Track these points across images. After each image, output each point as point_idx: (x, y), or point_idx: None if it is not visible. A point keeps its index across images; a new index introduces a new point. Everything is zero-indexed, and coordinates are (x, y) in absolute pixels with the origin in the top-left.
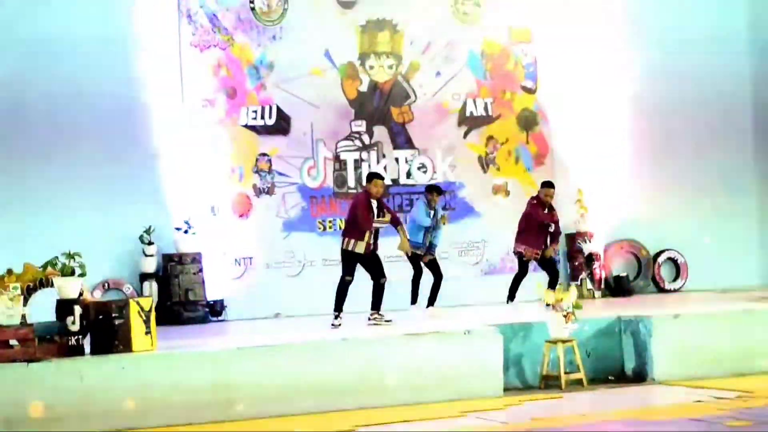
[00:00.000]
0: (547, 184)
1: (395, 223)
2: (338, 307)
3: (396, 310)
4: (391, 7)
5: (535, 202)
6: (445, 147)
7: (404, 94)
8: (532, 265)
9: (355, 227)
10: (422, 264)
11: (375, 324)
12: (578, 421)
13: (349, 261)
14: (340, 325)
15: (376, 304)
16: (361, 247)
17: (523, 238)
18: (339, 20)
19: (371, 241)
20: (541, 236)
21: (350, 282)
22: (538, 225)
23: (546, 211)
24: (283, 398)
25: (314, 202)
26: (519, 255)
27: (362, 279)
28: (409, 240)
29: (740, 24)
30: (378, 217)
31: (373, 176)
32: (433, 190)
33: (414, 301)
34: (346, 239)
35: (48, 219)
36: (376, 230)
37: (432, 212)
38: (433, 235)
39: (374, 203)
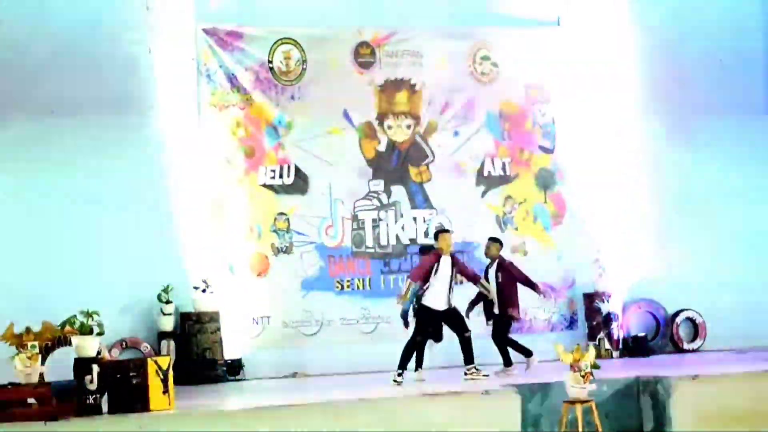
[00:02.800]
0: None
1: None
2: (402, 364)
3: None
4: (409, 67)
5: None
6: (462, 207)
7: (422, 153)
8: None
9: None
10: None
11: (472, 379)
12: None
13: (423, 320)
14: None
15: (468, 358)
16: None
17: (514, 301)
18: (357, 80)
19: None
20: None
21: (421, 342)
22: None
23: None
24: None
25: (332, 261)
26: (512, 318)
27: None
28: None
29: (760, 93)
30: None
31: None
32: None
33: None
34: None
35: (66, 278)
36: (449, 286)
37: None
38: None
39: (444, 260)
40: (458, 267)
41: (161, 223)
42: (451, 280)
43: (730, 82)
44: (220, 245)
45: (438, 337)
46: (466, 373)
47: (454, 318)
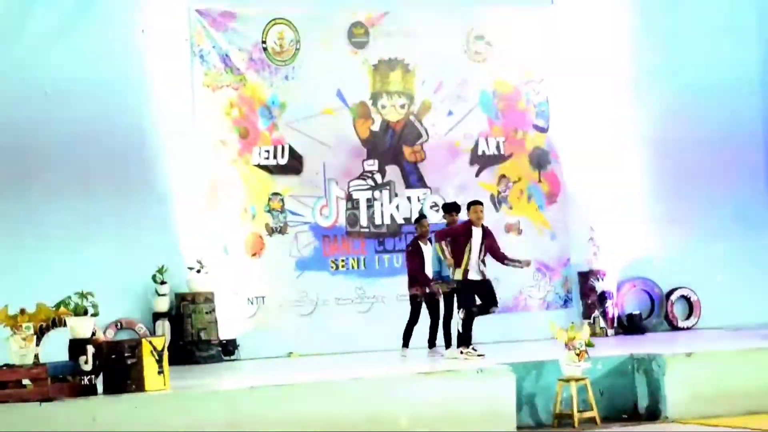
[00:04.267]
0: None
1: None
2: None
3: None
4: (403, 46)
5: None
6: (457, 186)
7: (416, 133)
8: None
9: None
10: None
11: (465, 358)
12: None
13: (466, 290)
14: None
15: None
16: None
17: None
18: (351, 60)
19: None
20: None
21: (476, 312)
22: None
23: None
24: None
25: (327, 241)
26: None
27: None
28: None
29: (752, 66)
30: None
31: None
32: (452, 209)
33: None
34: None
35: (61, 258)
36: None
37: None
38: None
39: (474, 230)
40: (488, 241)
41: (156, 204)
42: (481, 252)
43: (725, 60)
44: (215, 226)
45: (489, 306)
46: (462, 352)
47: (486, 290)
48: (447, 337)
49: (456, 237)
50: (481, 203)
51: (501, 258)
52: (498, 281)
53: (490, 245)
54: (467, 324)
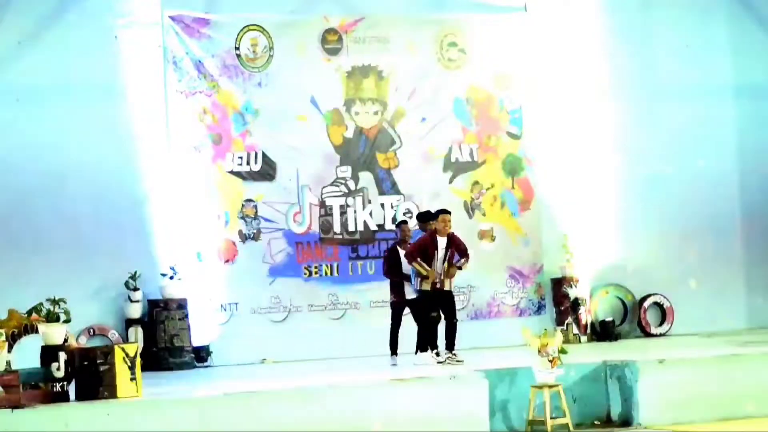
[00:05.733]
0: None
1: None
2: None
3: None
4: (376, 53)
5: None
6: (430, 192)
7: (390, 140)
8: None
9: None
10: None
11: (449, 363)
12: None
13: (428, 299)
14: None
15: (450, 344)
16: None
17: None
18: (324, 67)
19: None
20: None
21: (436, 319)
22: None
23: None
24: None
25: (300, 247)
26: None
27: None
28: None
29: (726, 71)
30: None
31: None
32: (429, 218)
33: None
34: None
35: (33, 265)
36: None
37: None
38: None
39: (439, 240)
40: (453, 249)
41: (129, 210)
42: (445, 261)
43: (696, 66)
44: (188, 232)
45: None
46: (447, 358)
47: (447, 301)
48: (448, 339)
49: (425, 249)
50: (449, 212)
51: (464, 254)
52: (472, 288)
53: (455, 251)
54: (432, 330)
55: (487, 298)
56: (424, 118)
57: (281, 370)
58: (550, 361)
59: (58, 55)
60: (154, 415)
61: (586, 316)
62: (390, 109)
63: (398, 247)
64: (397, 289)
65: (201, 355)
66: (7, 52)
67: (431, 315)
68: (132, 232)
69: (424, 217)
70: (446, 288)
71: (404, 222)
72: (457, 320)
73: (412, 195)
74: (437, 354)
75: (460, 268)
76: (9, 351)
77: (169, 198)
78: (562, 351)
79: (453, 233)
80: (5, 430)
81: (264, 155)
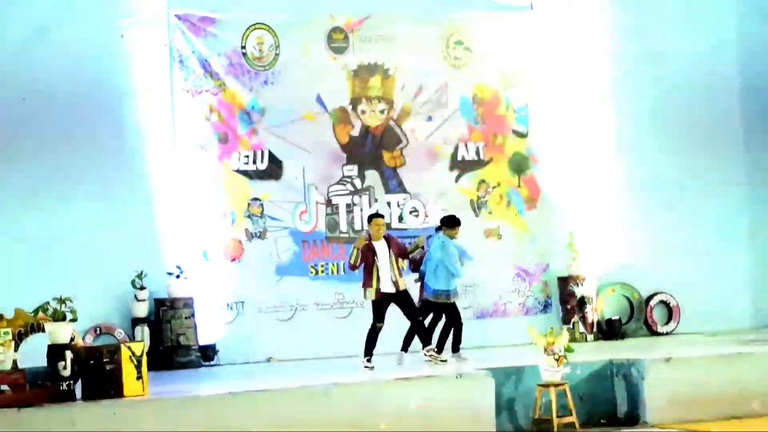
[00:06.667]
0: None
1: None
2: (368, 351)
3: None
4: (383, 52)
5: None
6: (436, 191)
7: (396, 138)
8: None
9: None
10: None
11: (431, 358)
12: None
13: (376, 306)
14: (373, 367)
15: (425, 340)
16: (371, 294)
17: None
18: (330, 65)
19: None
20: None
21: (380, 328)
22: None
23: None
24: None
25: (306, 246)
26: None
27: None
28: (436, 290)
29: (733, 69)
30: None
31: (371, 216)
32: (455, 223)
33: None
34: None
35: (39, 264)
36: (398, 270)
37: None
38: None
39: (376, 245)
40: (394, 248)
41: (135, 209)
42: (392, 262)
43: (705, 64)
44: (194, 231)
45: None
46: (425, 354)
47: (405, 301)
48: (454, 341)
49: (364, 257)
50: (381, 216)
51: (405, 254)
52: (477, 287)
53: (397, 252)
54: (372, 337)
55: (493, 297)
56: (430, 116)
57: (287, 368)
58: (557, 360)
59: (64, 55)
60: (161, 414)
61: (592, 314)
62: (396, 107)
63: (372, 242)
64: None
65: (207, 353)
66: (13, 51)
67: (376, 325)
68: (138, 231)
69: (450, 222)
70: (401, 288)
71: (378, 215)
72: (420, 318)
73: (419, 193)
74: (369, 360)
75: (411, 252)
76: (15, 350)
77: (175, 197)
78: (569, 349)
79: (390, 237)
80: (12, 428)
81: (270, 154)
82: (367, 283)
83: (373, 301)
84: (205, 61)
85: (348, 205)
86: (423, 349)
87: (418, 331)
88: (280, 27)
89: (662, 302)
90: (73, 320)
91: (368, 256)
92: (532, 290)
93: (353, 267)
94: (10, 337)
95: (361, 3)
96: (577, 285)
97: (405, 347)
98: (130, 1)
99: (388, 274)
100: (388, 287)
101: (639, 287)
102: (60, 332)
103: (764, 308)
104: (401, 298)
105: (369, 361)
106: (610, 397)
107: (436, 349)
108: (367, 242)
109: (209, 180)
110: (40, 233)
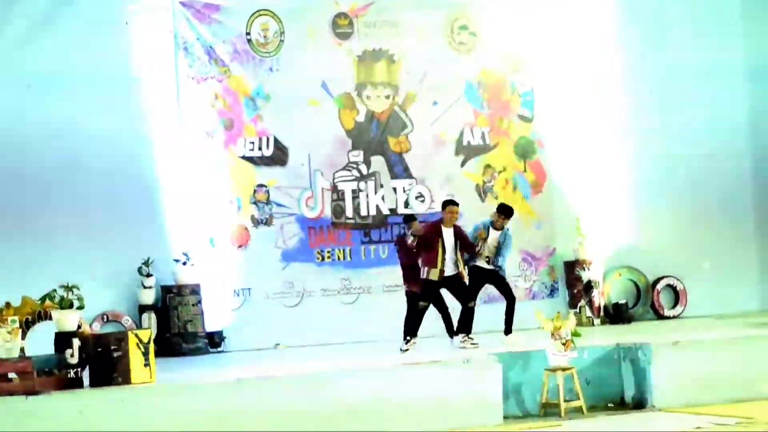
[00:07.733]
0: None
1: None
2: (414, 331)
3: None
4: (387, 37)
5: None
6: (442, 176)
7: (401, 123)
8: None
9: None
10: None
11: (463, 347)
12: None
13: (430, 287)
14: (407, 349)
15: (467, 327)
16: (434, 274)
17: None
18: (335, 51)
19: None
20: None
21: (425, 308)
22: None
23: None
24: (283, 429)
25: (312, 232)
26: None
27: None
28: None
29: (738, 53)
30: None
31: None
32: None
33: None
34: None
35: (46, 251)
36: (461, 257)
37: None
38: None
39: (444, 230)
40: (461, 239)
41: (141, 197)
42: (456, 250)
43: (709, 47)
44: (201, 218)
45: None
46: (462, 341)
47: (460, 285)
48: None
49: (428, 237)
50: (456, 203)
51: (473, 252)
52: None
53: (464, 246)
54: (418, 316)
55: None
56: (435, 101)
57: (294, 355)
58: (564, 344)
59: (69, 42)
60: (168, 401)
61: (599, 298)
62: (401, 93)
63: (405, 238)
64: (408, 279)
65: (214, 340)
66: (18, 38)
67: (420, 304)
68: (145, 218)
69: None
70: (461, 271)
71: (413, 218)
72: (473, 304)
73: (424, 179)
74: (407, 342)
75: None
76: (23, 338)
77: (181, 184)
78: (576, 334)
79: (458, 227)
80: (20, 416)
81: (276, 140)
82: (432, 263)
83: (427, 282)
84: (210, 48)
85: (354, 191)
86: (459, 335)
87: (467, 317)
88: (284, 13)
89: (669, 286)
90: (80, 308)
91: (435, 238)
92: (539, 275)
93: (411, 251)
94: (17, 325)
95: None
96: (584, 269)
97: (455, 332)
98: None
99: (452, 258)
100: (450, 270)
101: (645, 271)
102: (67, 320)
103: None
104: (457, 282)
105: (407, 342)
106: (617, 382)
107: (473, 338)
108: (434, 225)
109: (215, 166)
110: (46, 222)
